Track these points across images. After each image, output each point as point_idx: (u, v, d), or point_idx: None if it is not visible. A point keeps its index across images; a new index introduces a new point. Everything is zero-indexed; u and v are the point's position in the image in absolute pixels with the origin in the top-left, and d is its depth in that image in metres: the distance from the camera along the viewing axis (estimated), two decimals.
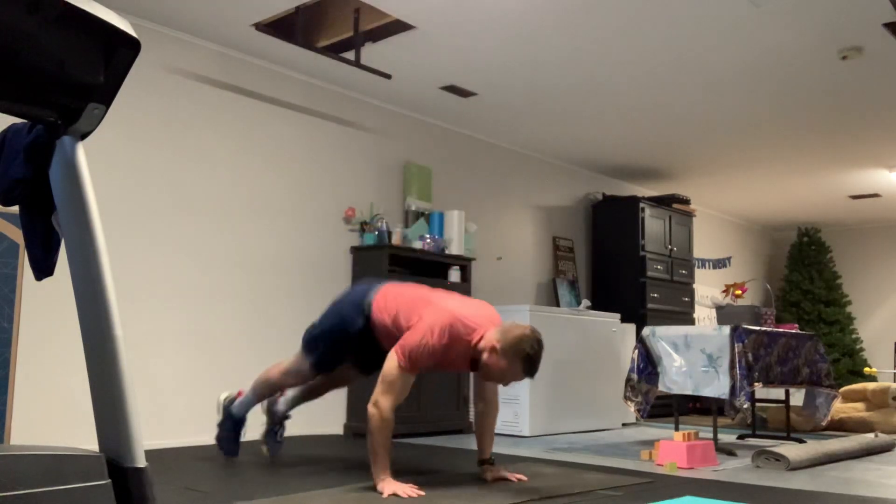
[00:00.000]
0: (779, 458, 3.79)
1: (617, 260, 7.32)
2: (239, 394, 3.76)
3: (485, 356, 3.03)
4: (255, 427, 4.00)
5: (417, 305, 3.17)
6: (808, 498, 3.00)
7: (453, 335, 3.03)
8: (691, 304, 7.67)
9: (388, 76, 4.67)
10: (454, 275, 5.51)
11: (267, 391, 3.69)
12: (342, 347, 3.40)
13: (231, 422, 3.72)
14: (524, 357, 2.98)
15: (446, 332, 3.02)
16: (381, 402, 2.97)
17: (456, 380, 5.32)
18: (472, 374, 3.39)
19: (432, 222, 5.66)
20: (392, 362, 3.02)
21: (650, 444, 4.80)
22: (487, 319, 3.12)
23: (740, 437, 5.20)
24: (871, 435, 4.71)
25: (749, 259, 10.23)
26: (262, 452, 3.84)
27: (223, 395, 3.79)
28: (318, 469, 3.51)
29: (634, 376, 4.70)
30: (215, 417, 3.94)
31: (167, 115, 4.45)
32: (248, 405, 3.70)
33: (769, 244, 10.75)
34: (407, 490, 2.86)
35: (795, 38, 4.43)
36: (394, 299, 3.26)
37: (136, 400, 3.56)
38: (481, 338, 3.05)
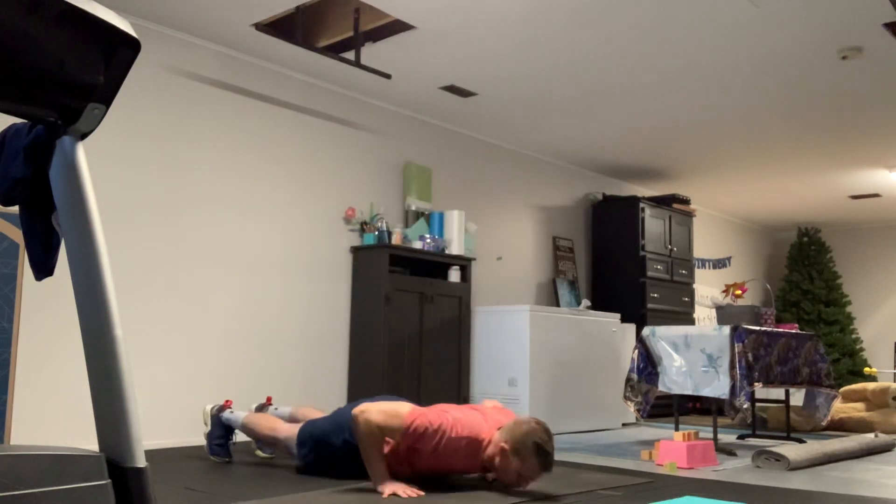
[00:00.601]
0: (779, 458, 3.79)
1: (617, 260, 7.32)
2: (227, 404, 3.75)
3: (497, 461, 2.90)
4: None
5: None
6: (808, 498, 3.00)
7: (470, 431, 2.92)
8: (691, 304, 7.67)
9: (388, 76, 4.67)
10: (454, 275, 5.52)
11: (251, 437, 3.62)
12: (329, 461, 3.28)
13: (221, 430, 3.70)
14: (536, 450, 2.84)
15: (464, 427, 2.92)
16: (370, 414, 2.90)
17: (456, 380, 5.33)
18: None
19: (432, 222, 5.66)
20: (404, 408, 2.94)
21: (650, 444, 4.80)
22: (492, 421, 3.02)
23: (740, 437, 5.20)
24: (871, 435, 4.71)
25: (749, 259, 10.23)
26: (259, 455, 3.86)
27: (209, 406, 3.76)
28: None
29: (634, 376, 4.70)
30: (202, 429, 3.90)
31: (167, 115, 4.45)
32: (235, 426, 3.67)
33: (769, 244, 10.75)
34: (407, 490, 2.85)
35: (795, 38, 4.43)
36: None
37: (136, 400, 3.55)
38: (489, 442, 2.94)
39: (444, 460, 2.98)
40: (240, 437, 4.40)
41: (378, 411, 2.92)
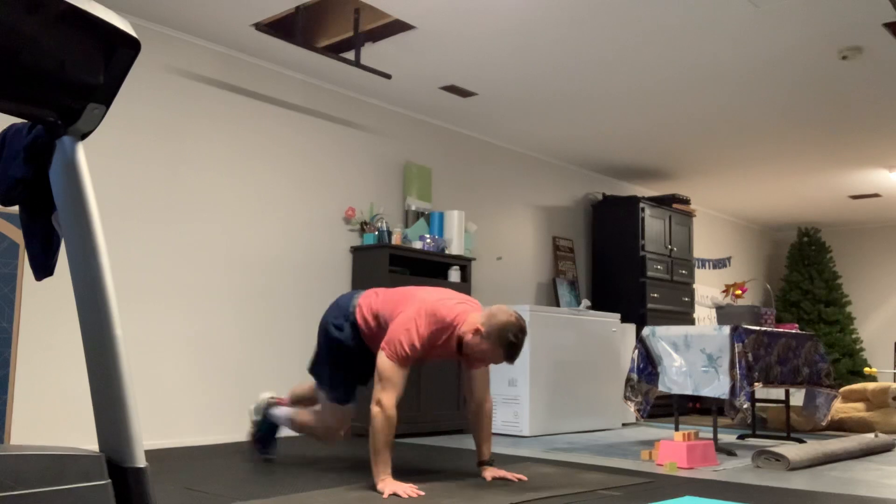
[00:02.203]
0: (779, 458, 3.79)
1: (617, 260, 7.32)
2: (279, 401, 3.76)
3: (468, 337, 3.08)
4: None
5: (398, 301, 3.23)
6: (808, 498, 3.00)
7: (436, 321, 3.08)
8: (691, 304, 7.67)
9: (388, 76, 4.67)
10: (454, 275, 5.51)
11: (305, 432, 3.66)
12: (341, 361, 3.38)
13: (268, 424, 3.74)
14: (507, 343, 3.03)
15: (429, 320, 3.07)
16: (384, 399, 2.98)
17: (456, 380, 5.32)
18: (460, 375, 3.39)
19: (432, 222, 5.66)
20: (383, 358, 3.05)
21: (650, 444, 4.80)
22: (468, 307, 3.19)
23: (740, 437, 5.20)
24: (871, 435, 4.71)
25: (749, 259, 10.23)
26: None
27: (265, 395, 3.80)
28: (318, 469, 3.51)
29: (634, 376, 4.70)
30: (248, 415, 3.94)
31: (167, 115, 4.45)
32: (280, 424, 3.72)
33: (769, 244, 10.75)
34: (407, 490, 2.86)
35: (795, 38, 4.43)
36: (375, 300, 3.33)
37: (136, 400, 3.56)
38: (464, 322, 3.11)
39: (429, 353, 3.17)
40: (241, 437, 4.40)
41: (385, 391, 3.00)
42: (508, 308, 3.12)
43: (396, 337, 3.05)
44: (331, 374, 3.39)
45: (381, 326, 3.25)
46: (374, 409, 2.99)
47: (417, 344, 3.04)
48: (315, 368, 3.47)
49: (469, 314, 3.13)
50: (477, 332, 3.06)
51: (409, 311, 3.12)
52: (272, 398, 3.78)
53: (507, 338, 3.02)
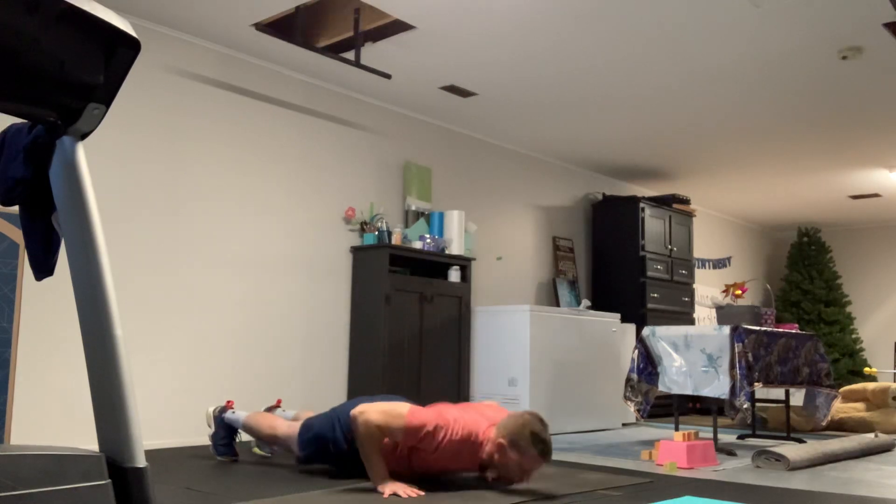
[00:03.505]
0: (779, 458, 3.79)
1: (617, 260, 7.32)
2: (228, 404, 3.76)
3: (496, 457, 2.91)
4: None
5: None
6: (808, 498, 3.00)
7: (467, 432, 2.93)
8: (691, 304, 7.67)
9: (388, 76, 4.67)
10: (454, 275, 5.51)
11: (252, 436, 3.68)
12: (330, 458, 3.29)
13: (224, 430, 3.71)
14: (534, 440, 2.85)
15: (463, 428, 2.93)
16: (370, 415, 2.89)
17: (456, 380, 5.33)
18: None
19: (432, 222, 5.66)
20: (404, 408, 2.92)
21: (650, 444, 4.80)
22: (487, 420, 3.03)
23: (740, 437, 5.20)
24: (871, 435, 4.71)
25: (749, 259, 10.23)
26: (257, 452, 3.86)
27: (211, 408, 3.78)
28: (318, 469, 3.51)
29: (634, 376, 4.70)
30: (206, 430, 3.89)
31: (167, 115, 4.45)
32: (237, 425, 3.69)
33: (769, 244, 10.75)
34: (407, 490, 2.85)
35: (795, 38, 4.43)
36: None
37: (136, 400, 3.56)
38: (487, 440, 2.94)
39: (443, 460, 2.99)
40: (241, 436, 4.40)
41: (378, 412, 2.92)
42: (516, 412, 3.00)
43: (422, 414, 2.89)
44: (316, 457, 3.29)
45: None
46: (357, 415, 2.88)
47: (436, 433, 2.87)
48: (304, 442, 3.29)
49: (491, 427, 2.97)
50: (501, 447, 2.88)
51: (447, 414, 2.96)
52: (217, 407, 3.76)
53: (532, 434, 2.85)
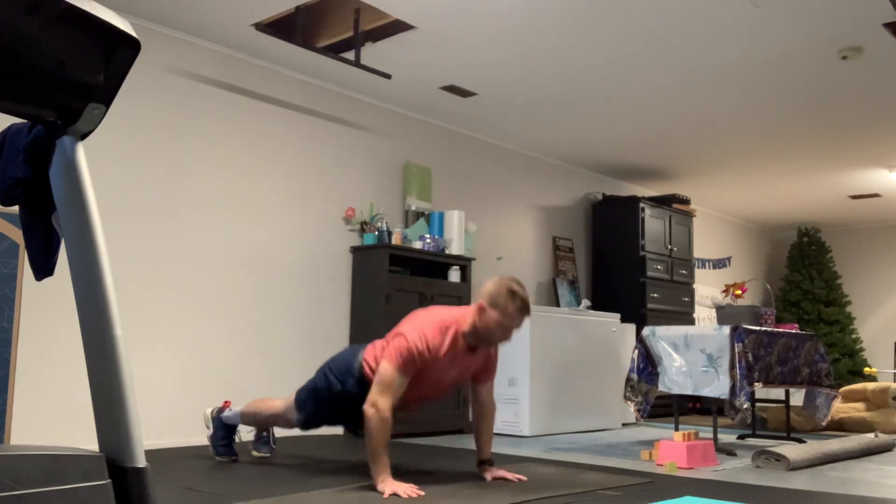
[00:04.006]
0: (779, 458, 3.79)
1: (617, 260, 7.32)
2: (225, 405, 3.77)
3: (476, 322, 3.07)
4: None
5: (395, 329, 3.19)
6: (808, 498, 3.00)
7: (439, 325, 3.08)
8: (691, 304, 7.67)
9: (388, 76, 4.67)
10: (454, 275, 5.51)
11: (254, 424, 3.72)
12: (330, 409, 3.35)
13: (223, 430, 3.73)
14: (511, 296, 3.01)
15: (432, 326, 3.07)
16: (379, 402, 2.97)
17: None
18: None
19: (432, 222, 5.66)
20: (385, 364, 3.03)
21: (650, 444, 4.80)
22: (463, 311, 3.19)
23: (740, 437, 5.20)
24: (871, 435, 4.71)
25: (749, 259, 10.23)
26: (255, 455, 3.86)
27: (208, 410, 3.79)
28: (318, 469, 3.51)
29: (634, 376, 4.70)
30: (205, 432, 3.88)
31: (167, 115, 4.45)
32: (236, 422, 3.72)
33: (769, 244, 10.75)
34: (407, 490, 2.86)
35: (795, 38, 4.43)
36: (380, 350, 3.25)
37: (136, 400, 3.57)
38: (463, 319, 3.12)
39: (439, 371, 3.12)
40: (240, 436, 4.40)
41: (383, 394, 2.98)
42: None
43: (399, 345, 3.03)
44: (316, 412, 3.35)
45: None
46: (369, 410, 2.96)
47: (423, 347, 3.02)
48: (302, 403, 3.38)
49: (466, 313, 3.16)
50: (481, 309, 3.06)
51: (413, 323, 3.12)
52: (214, 409, 3.78)
53: (511, 291, 3.01)
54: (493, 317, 3.04)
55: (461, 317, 3.14)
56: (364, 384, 3.19)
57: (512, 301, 3.01)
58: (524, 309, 3.04)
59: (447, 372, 3.19)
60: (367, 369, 3.24)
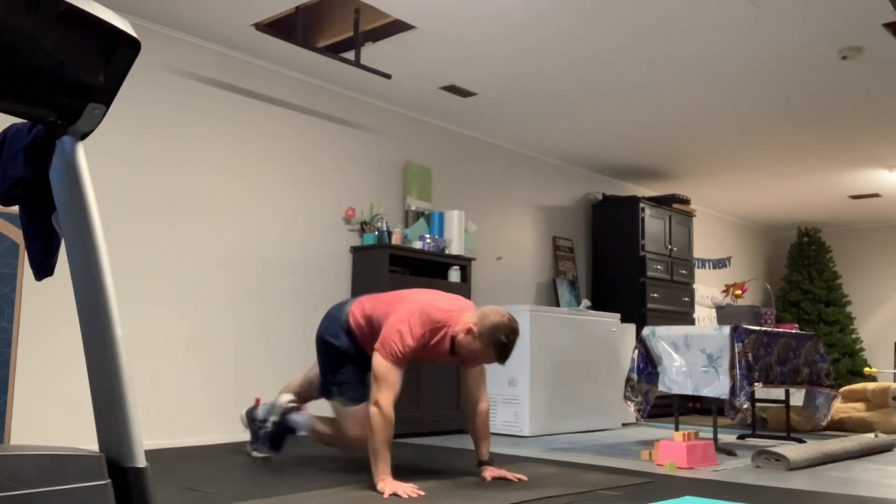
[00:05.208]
0: (779, 458, 3.79)
1: (617, 260, 7.32)
2: (300, 406, 3.76)
3: (460, 336, 3.12)
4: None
5: (390, 303, 3.28)
6: (808, 498, 3.00)
7: (429, 321, 3.12)
8: (691, 304, 7.67)
9: (388, 76, 4.67)
10: (454, 275, 5.51)
11: (326, 442, 3.67)
12: (349, 367, 3.42)
13: (286, 427, 3.70)
14: (498, 344, 3.07)
15: (422, 319, 3.11)
16: (381, 399, 3.00)
17: (455, 380, 5.32)
18: (458, 376, 3.41)
19: (432, 222, 5.66)
20: (378, 359, 3.08)
21: (650, 444, 4.80)
22: (459, 307, 3.23)
23: (740, 437, 5.20)
24: (871, 435, 4.71)
25: (749, 259, 10.23)
26: (252, 455, 3.85)
27: (285, 398, 3.74)
28: (318, 469, 3.51)
29: (634, 376, 4.70)
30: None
31: (167, 115, 4.45)
32: (299, 430, 3.71)
33: (769, 244, 10.75)
34: (407, 490, 2.86)
35: (795, 39, 4.43)
36: (367, 305, 3.39)
37: (136, 400, 3.56)
38: (457, 322, 3.16)
39: (428, 353, 3.22)
40: (240, 437, 4.40)
41: (383, 392, 3.01)
42: (501, 309, 3.16)
43: (390, 337, 3.08)
44: (342, 376, 3.42)
45: (373, 329, 3.28)
46: (372, 409, 3.00)
47: (412, 342, 3.07)
48: (326, 384, 3.49)
49: (462, 314, 3.18)
50: (469, 331, 3.11)
51: (402, 311, 3.16)
52: (292, 401, 3.74)
53: (499, 339, 3.06)
54: (475, 346, 3.11)
55: (456, 318, 3.17)
56: (351, 335, 3.40)
57: (496, 349, 3.08)
58: (501, 357, 3.11)
59: (431, 356, 3.30)
60: (352, 323, 3.39)
